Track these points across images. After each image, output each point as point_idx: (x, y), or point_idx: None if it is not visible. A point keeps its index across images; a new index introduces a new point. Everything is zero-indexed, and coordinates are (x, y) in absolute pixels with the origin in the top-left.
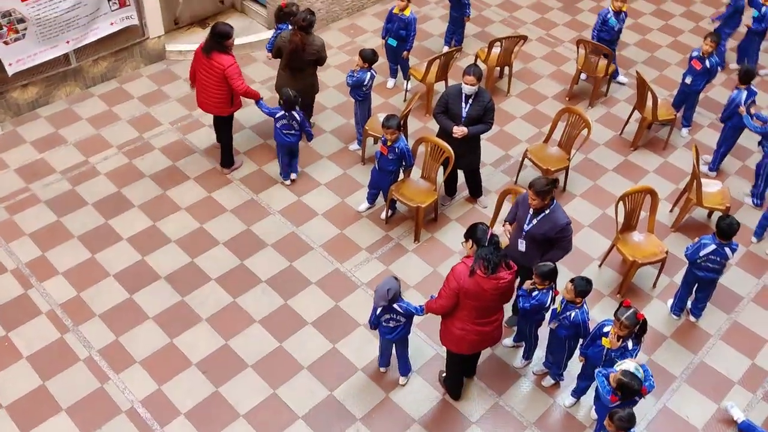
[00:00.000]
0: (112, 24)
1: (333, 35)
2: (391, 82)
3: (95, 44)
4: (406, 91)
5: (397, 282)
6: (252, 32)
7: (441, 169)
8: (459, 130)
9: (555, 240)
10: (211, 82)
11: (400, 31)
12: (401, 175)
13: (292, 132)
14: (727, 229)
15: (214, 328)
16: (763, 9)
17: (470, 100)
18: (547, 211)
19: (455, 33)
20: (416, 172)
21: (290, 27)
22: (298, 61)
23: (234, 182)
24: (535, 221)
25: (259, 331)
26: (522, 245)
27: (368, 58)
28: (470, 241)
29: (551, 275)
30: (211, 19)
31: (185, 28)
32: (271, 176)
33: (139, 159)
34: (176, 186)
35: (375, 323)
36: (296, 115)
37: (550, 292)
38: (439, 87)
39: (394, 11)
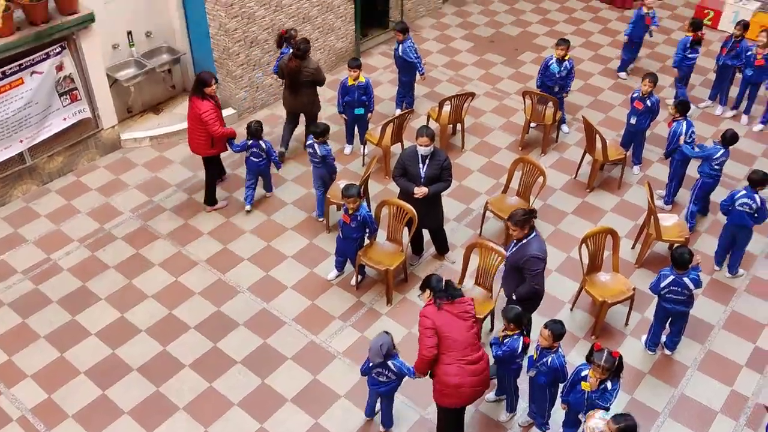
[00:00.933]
0: (65, 119)
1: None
2: (348, 149)
3: (49, 140)
4: (364, 155)
5: (389, 336)
6: None
7: (406, 229)
8: (419, 191)
9: (523, 271)
10: (193, 125)
11: (361, 98)
12: (367, 240)
13: (261, 158)
14: (679, 259)
15: (193, 417)
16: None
17: (427, 161)
18: (524, 240)
19: (406, 96)
20: (382, 235)
21: (291, 50)
22: (297, 82)
23: (200, 264)
24: (514, 249)
25: (239, 414)
26: (503, 271)
27: (253, 131)
28: (427, 291)
29: (517, 320)
30: (163, 105)
31: (139, 116)
32: (237, 254)
33: (101, 251)
34: (142, 273)
35: (366, 372)
36: (263, 144)
37: (521, 338)
38: (396, 149)
39: (348, 83)
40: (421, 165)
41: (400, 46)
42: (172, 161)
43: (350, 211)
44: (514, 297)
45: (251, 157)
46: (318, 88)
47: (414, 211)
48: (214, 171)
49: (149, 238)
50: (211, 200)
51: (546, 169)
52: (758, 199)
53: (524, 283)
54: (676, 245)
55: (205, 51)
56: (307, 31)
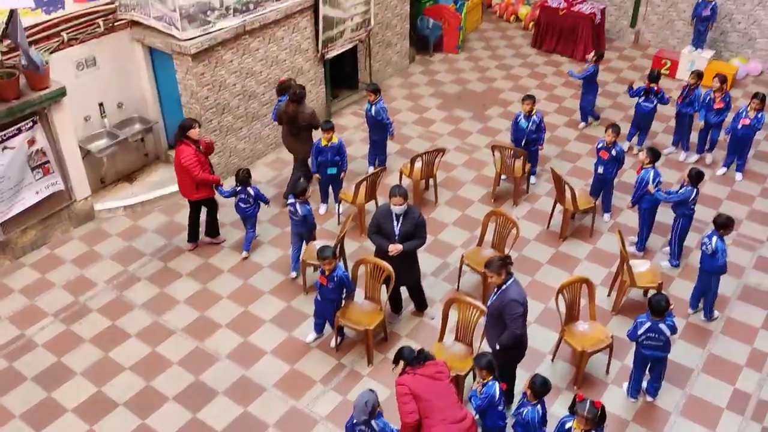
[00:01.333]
0: (37, 193)
1: (260, 171)
2: (322, 209)
3: (22, 214)
4: (339, 214)
5: (374, 394)
6: None
7: (383, 287)
8: (394, 248)
9: (504, 316)
10: (178, 170)
11: (334, 158)
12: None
13: (249, 205)
14: (656, 306)
15: None
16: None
17: (401, 218)
18: (504, 287)
19: (378, 154)
20: (360, 294)
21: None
22: (295, 126)
23: (177, 333)
24: (494, 297)
25: None
26: (485, 322)
27: (241, 179)
28: (400, 362)
29: (489, 366)
30: (137, 174)
31: (112, 186)
32: (215, 321)
33: (77, 324)
34: (118, 345)
35: (350, 429)
36: (250, 190)
37: (495, 383)
38: (370, 206)
39: (321, 144)
40: (395, 223)
41: (373, 106)
42: (146, 230)
43: (327, 273)
44: (497, 347)
45: (239, 203)
46: (313, 131)
47: (391, 268)
48: (198, 214)
49: (125, 308)
50: (191, 237)
51: (519, 221)
52: (714, 242)
53: (505, 330)
54: (651, 291)
55: (177, 119)
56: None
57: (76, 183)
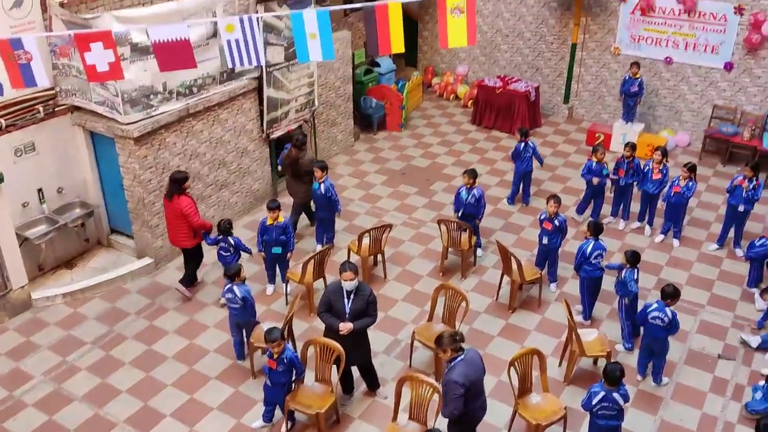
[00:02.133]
0: None
1: (208, 254)
2: (270, 289)
3: None
4: (287, 294)
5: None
6: (121, 265)
7: (334, 368)
8: (345, 327)
9: (445, 395)
10: (176, 221)
11: (280, 238)
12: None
13: (229, 254)
14: (611, 375)
15: None
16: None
17: (352, 295)
18: (452, 364)
19: (326, 231)
20: (310, 376)
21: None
22: (296, 171)
23: (119, 425)
24: (445, 372)
25: None
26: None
27: (222, 229)
28: None
29: None
30: (77, 259)
31: (51, 272)
32: (159, 411)
33: (11, 420)
34: None
35: None
36: (231, 240)
37: None
38: (318, 285)
39: (267, 223)
40: (346, 300)
41: (321, 184)
42: (87, 317)
43: (275, 356)
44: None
45: (221, 251)
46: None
47: (341, 348)
48: (193, 260)
49: (63, 401)
50: (187, 282)
51: (468, 293)
52: (669, 313)
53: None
54: (601, 360)
55: (120, 202)
56: (223, 176)
57: (12, 271)
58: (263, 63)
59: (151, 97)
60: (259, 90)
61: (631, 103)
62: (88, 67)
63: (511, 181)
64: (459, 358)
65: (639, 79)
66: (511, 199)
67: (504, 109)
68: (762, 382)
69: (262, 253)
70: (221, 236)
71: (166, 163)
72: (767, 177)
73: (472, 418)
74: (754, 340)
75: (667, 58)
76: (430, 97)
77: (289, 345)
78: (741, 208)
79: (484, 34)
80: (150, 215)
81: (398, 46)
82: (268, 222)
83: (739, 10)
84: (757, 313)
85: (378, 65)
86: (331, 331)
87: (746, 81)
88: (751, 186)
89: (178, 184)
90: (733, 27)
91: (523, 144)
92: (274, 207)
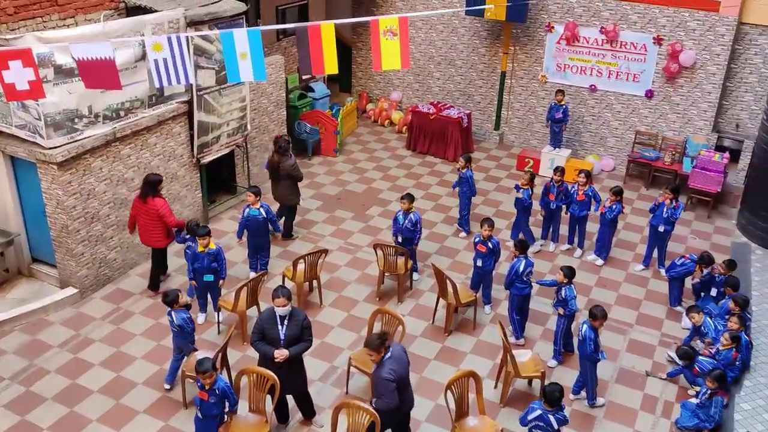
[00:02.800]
0: None
1: (131, 282)
2: (201, 318)
3: None
4: (219, 323)
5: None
6: (43, 295)
7: (269, 397)
8: (280, 354)
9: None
10: (151, 222)
11: (211, 265)
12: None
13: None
14: (549, 396)
15: None
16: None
17: (285, 321)
18: (380, 362)
19: (259, 258)
20: (243, 407)
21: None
22: (277, 175)
23: None
24: (375, 368)
25: None
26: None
27: (191, 228)
28: None
29: None
30: None
31: None
32: None
33: None
34: None
35: None
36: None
37: None
38: (252, 312)
39: (198, 250)
40: (280, 327)
41: (261, 209)
42: (5, 351)
43: (207, 387)
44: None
45: (187, 250)
46: (298, 184)
47: (275, 377)
48: (162, 260)
49: None
50: (155, 285)
51: (404, 317)
52: (584, 330)
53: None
54: (534, 380)
55: (42, 230)
56: None
57: None
58: (192, 81)
59: (76, 120)
60: (190, 114)
61: (556, 129)
62: (7, 85)
63: (451, 203)
64: (387, 357)
65: (564, 106)
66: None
67: (438, 135)
68: (693, 399)
69: (193, 281)
70: (189, 236)
71: (92, 189)
72: (687, 199)
73: (402, 409)
74: None
75: (591, 86)
76: (365, 123)
77: (222, 375)
78: (661, 229)
79: (417, 61)
80: (75, 243)
81: (332, 66)
82: (199, 249)
83: (658, 41)
84: (683, 330)
85: (312, 90)
86: (265, 360)
87: (666, 108)
88: (670, 207)
89: (152, 186)
90: (653, 56)
91: (466, 170)
92: (204, 234)
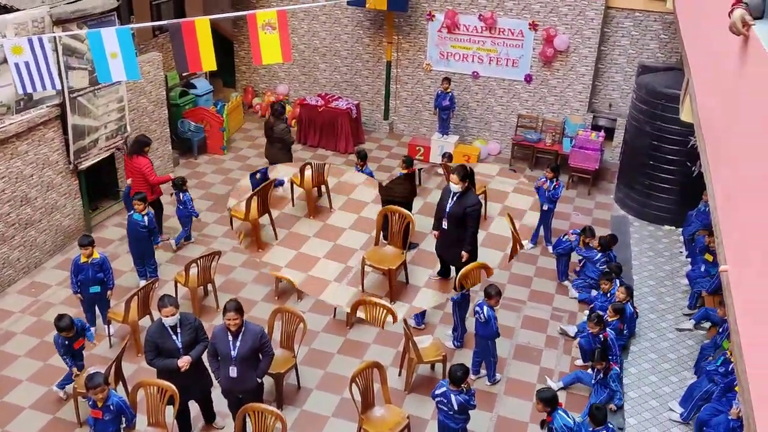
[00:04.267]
0: None
1: (12, 300)
2: (90, 332)
3: None
4: (110, 336)
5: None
6: None
7: (169, 409)
8: (184, 362)
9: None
10: (137, 178)
11: (97, 276)
12: None
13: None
14: (452, 375)
15: None
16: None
17: (178, 329)
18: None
19: (147, 265)
20: (142, 421)
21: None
22: (270, 135)
23: None
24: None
25: None
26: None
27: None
28: None
29: None
30: None
31: None
32: None
33: None
34: None
35: None
36: (182, 196)
37: None
38: (145, 322)
39: (81, 261)
40: (174, 336)
41: (145, 216)
42: None
43: (99, 404)
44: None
45: (180, 206)
46: (290, 146)
47: (174, 387)
48: (159, 208)
49: None
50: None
51: (305, 314)
52: (485, 311)
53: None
54: (437, 363)
55: None
56: (27, 214)
57: None
58: (59, 87)
59: None
60: (63, 118)
61: (444, 116)
62: None
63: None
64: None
65: (450, 93)
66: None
67: (327, 127)
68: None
69: (78, 295)
70: (176, 191)
71: None
72: (568, 178)
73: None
74: (572, 329)
75: (474, 72)
76: (252, 118)
77: (115, 390)
78: (545, 207)
79: (302, 53)
80: None
81: (209, 63)
82: (82, 260)
83: (534, 26)
84: (571, 302)
85: (194, 87)
86: (168, 373)
87: (544, 91)
88: (551, 186)
89: (140, 146)
90: (529, 42)
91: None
92: (86, 243)
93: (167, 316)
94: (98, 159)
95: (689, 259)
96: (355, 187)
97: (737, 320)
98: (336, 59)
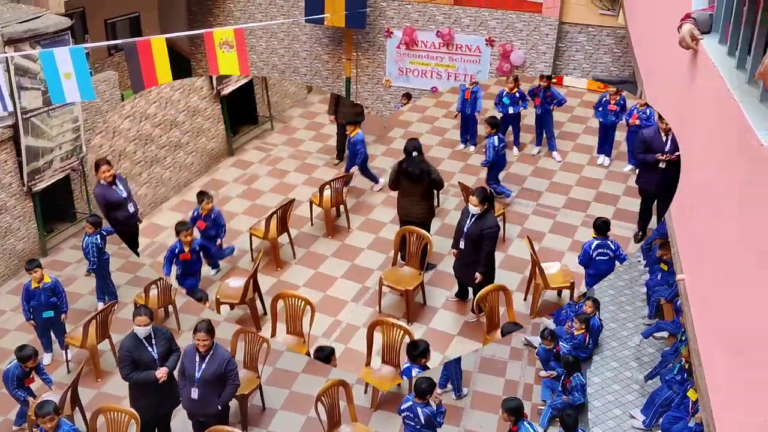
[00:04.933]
0: None
1: None
2: (47, 358)
3: None
4: (68, 361)
5: None
6: None
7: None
8: (161, 372)
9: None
10: None
11: (50, 300)
12: None
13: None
14: (417, 388)
15: None
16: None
17: (153, 340)
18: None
19: (105, 287)
20: None
21: None
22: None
23: None
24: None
25: None
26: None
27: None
28: None
29: None
30: None
31: None
32: None
33: None
34: None
35: None
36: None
37: None
38: (104, 346)
39: (32, 287)
40: (149, 348)
41: (89, 237)
42: None
43: None
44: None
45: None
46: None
47: (134, 411)
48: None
49: None
50: None
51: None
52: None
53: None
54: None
55: None
56: None
57: None
58: (11, 108)
59: None
60: (16, 139)
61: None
62: None
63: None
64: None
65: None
66: None
67: None
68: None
69: (32, 322)
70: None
71: None
72: None
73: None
74: (536, 340)
75: (432, 87)
76: None
77: (71, 418)
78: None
79: (260, 71)
80: None
81: (165, 77)
82: (33, 285)
83: (490, 42)
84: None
85: None
86: (145, 386)
87: None
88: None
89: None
90: (486, 57)
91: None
92: (32, 267)
93: (140, 326)
94: (53, 180)
95: (647, 268)
96: (374, 207)
97: (694, 327)
98: (295, 76)
